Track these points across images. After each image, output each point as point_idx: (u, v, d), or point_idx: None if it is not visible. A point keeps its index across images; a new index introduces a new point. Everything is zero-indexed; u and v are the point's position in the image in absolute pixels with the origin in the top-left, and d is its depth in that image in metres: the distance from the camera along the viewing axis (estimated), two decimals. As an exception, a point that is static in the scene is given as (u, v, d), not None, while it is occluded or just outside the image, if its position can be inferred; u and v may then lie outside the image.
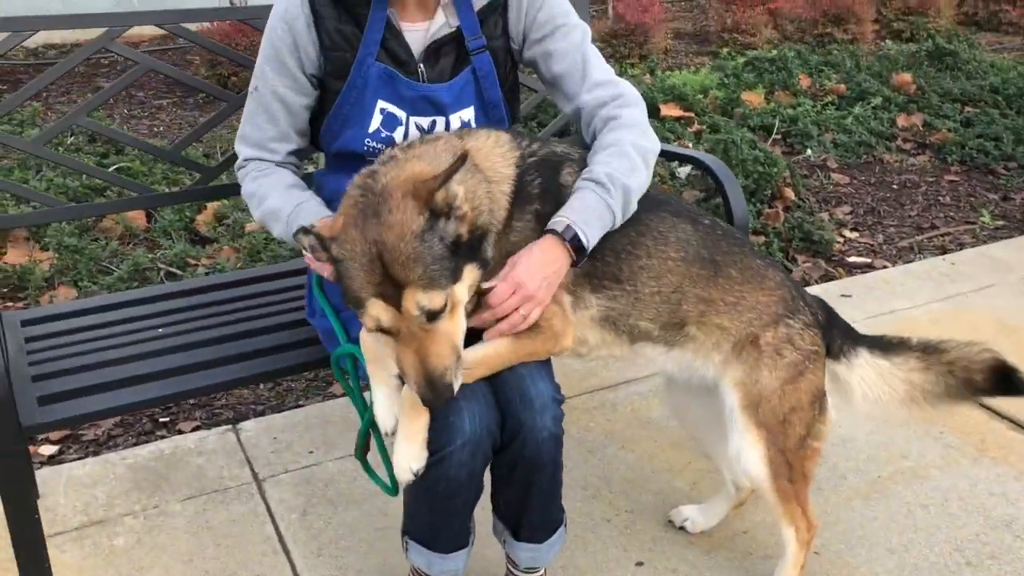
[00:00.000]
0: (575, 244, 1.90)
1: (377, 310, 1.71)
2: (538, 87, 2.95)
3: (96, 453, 3.06)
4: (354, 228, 1.74)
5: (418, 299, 1.69)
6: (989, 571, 2.41)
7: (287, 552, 2.52)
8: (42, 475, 2.82)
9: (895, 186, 5.42)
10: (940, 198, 5.24)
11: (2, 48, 2.35)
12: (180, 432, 3.16)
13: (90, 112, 2.71)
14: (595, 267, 2.00)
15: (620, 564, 2.47)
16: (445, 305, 1.72)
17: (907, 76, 6.77)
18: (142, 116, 6.89)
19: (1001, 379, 2.25)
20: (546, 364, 1.99)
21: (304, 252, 1.83)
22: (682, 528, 2.58)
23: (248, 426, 3.10)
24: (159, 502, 2.72)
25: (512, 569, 2.19)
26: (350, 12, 2.04)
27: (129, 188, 2.64)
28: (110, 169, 5.14)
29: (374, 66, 2.05)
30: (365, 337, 1.95)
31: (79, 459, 2.98)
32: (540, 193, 1.97)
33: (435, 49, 2.09)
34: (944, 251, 4.52)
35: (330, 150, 2.19)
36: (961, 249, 4.51)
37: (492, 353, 1.91)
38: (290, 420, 3.13)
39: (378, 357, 1.93)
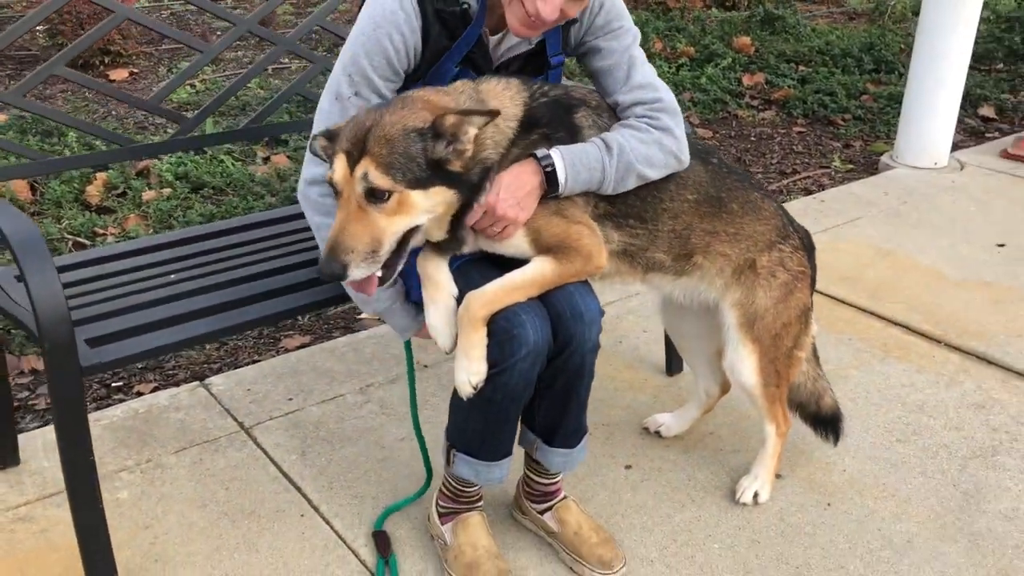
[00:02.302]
0: (550, 175, 2.03)
1: (338, 162, 1.87)
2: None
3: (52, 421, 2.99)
4: (367, 111, 1.94)
5: (367, 169, 1.83)
6: (915, 445, 2.84)
7: (298, 488, 2.60)
8: (15, 442, 2.74)
9: (753, 138, 5.94)
10: (794, 147, 5.79)
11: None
12: (140, 394, 3.13)
13: None
14: (618, 208, 2.18)
15: (611, 468, 2.72)
16: (386, 195, 1.84)
17: (746, 39, 7.36)
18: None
19: (831, 417, 2.66)
20: (588, 283, 2.17)
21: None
22: (657, 433, 2.86)
23: (217, 381, 3.11)
24: (151, 456, 2.72)
25: (534, 477, 2.39)
26: (449, 28, 2.11)
27: (117, 141, 2.60)
28: (-22, 141, 4.86)
29: (452, 70, 2.15)
30: (423, 257, 2.08)
31: (39, 428, 2.90)
32: (548, 121, 2.10)
33: (512, 60, 2.23)
34: (809, 192, 5.05)
35: None
36: (823, 189, 5.05)
37: (538, 274, 2.05)
38: (258, 372, 3.17)
39: (435, 277, 2.06)
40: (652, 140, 2.15)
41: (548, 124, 2.09)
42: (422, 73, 2.15)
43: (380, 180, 1.82)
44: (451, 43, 2.13)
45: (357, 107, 2.06)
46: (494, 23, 2.18)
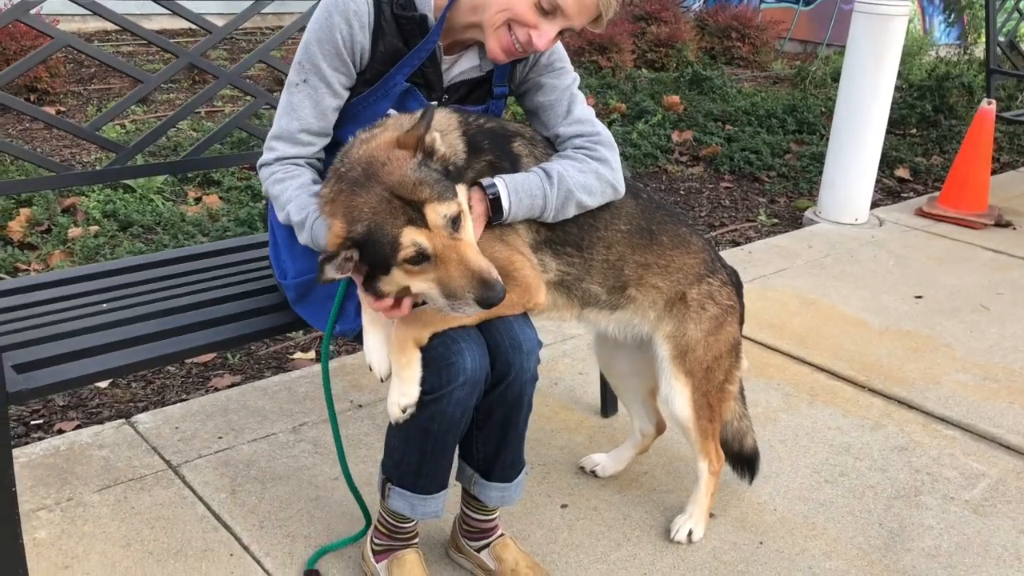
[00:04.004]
0: (494, 203, 2.07)
1: (411, 235, 1.81)
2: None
3: (-32, 459, 2.86)
4: (358, 196, 1.85)
5: (439, 210, 1.82)
6: (842, 485, 2.90)
7: (228, 527, 2.53)
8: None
9: (682, 192, 6.09)
10: (722, 202, 5.96)
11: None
12: (61, 432, 3.02)
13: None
14: (557, 235, 2.23)
15: (547, 508, 2.72)
16: (460, 213, 1.87)
17: (675, 98, 7.59)
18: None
19: (751, 457, 2.73)
20: (526, 314, 2.17)
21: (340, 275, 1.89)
22: (592, 473, 2.87)
23: (144, 418, 3.02)
24: (72, 494, 2.62)
25: (471, 514, 2.36)
26: (405, 34, 2.15)
27: (51, 168, 2.54)
28: None
29: (401, 84, 2.18)
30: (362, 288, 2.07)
31: (-49, 465, 2.77)
32: (491, 148, 2.15)
33: (462, 84, 2.27)
34: (736, 243, 5.19)
35: None
36: (750, 242, 5.19)
37: None
38: (186, 410, 3.09)
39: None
40: (590, 169, 2.20)
41: (492, 151, 2.13)
42: (374, 77, 2.17)
43: (451, 206, 1.84)
44: (407, 49, 2.17)
45: (307, 95, 2.13)
46: (449, 44, 2.23)
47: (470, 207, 2.01)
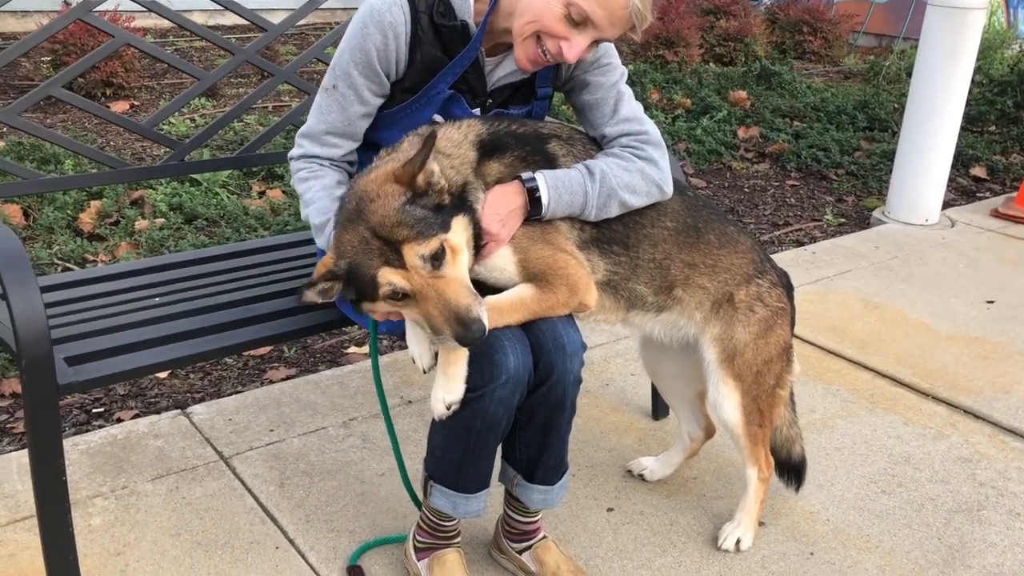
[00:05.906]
0: (533, 196, 2.05)
1: (388, 275, 1.85)
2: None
3: (31, 445, 2.95)
4: (346, 233, 1.90)
5: (417, 250, 1.84)
6: (900, 497, 2.81)
7: (274, 520, 2.56)
8: (-11, 464, 2.71)
9: (746, 189, 5.97)
10: (787, 200, 5.83)
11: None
12: (120, 420, 3.10)
13: None
14: (603, 233, 2.20)
15: (593, 511, 2.69)
16: (442, 250, 1.86)
17: (742, 93, 7.45)
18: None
19: (798, 465, 2.66)
20: (571, 316, 2.15)
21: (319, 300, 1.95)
22: (640, 477, 2.83)
23: (199, 410, 3.08)
24: (127, 483, 2.68)
25: (514, 515, 2.35)
26: (444, 42, 2.15)
27: (110, 164, 2.60)
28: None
29: (444, 92, 2.18)
30: None
31: (15, 451, 2.86)
32: (521, 147, 2.12)
33: (506, 86, 2.26)
34: (800, 244, 5.07)
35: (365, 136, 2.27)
36: (815, 242, 5.07)
37: (516, 300, 2.05)
38: (240, 403, 3.14)
39: None
40: (635, 169, 2.17)
41: (521, 148, 2.11)
42: (414, 86, 2.18)
43: (431, 244, 1.84)
44: (447, 57, 2.16)
45: (335, 100, 2.16)
46: (491, 46, 2.21)
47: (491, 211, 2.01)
